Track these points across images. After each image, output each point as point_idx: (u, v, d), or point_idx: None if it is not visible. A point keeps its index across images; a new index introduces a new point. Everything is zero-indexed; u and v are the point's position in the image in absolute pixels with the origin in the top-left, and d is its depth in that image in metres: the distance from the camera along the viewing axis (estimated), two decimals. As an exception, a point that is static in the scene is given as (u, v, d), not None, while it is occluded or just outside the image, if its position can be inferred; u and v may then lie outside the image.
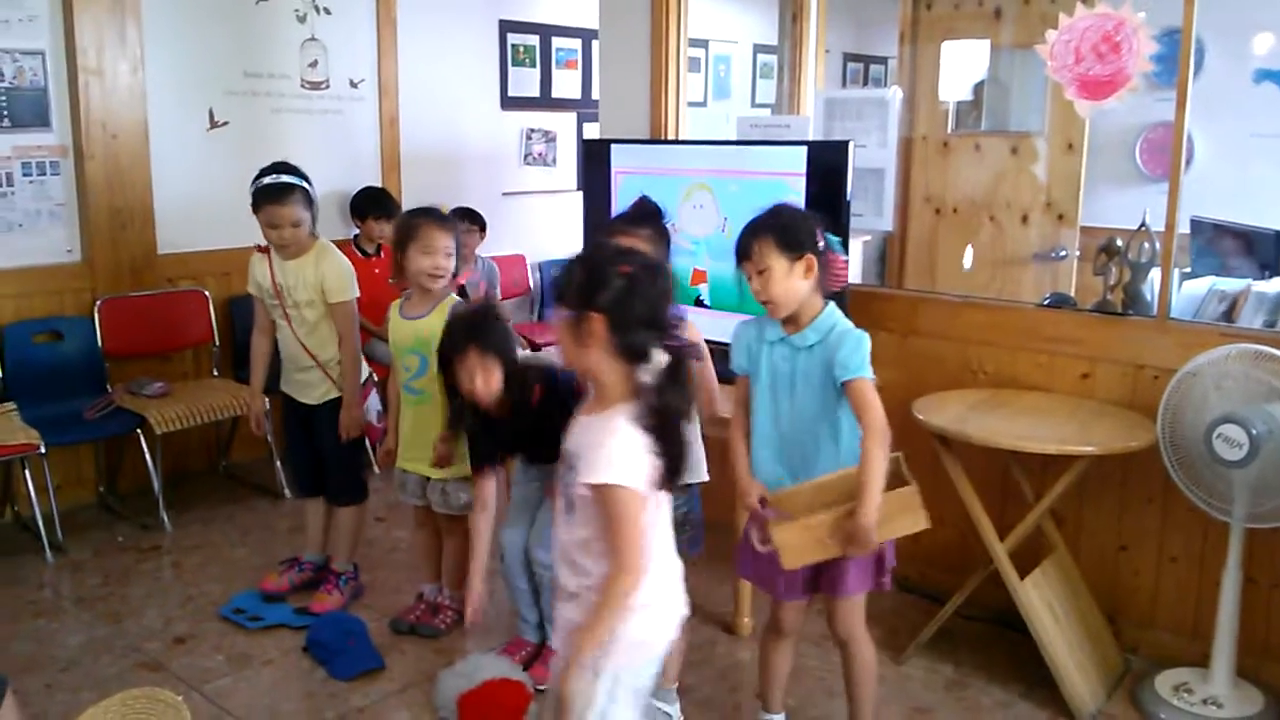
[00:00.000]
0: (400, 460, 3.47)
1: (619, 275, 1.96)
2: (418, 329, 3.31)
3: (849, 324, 2.53)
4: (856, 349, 2.45)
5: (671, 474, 2.02)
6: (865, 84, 7.75)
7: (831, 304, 2.55)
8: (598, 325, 1.95)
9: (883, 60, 7.79)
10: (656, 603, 2.08)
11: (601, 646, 1.99)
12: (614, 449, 1.96)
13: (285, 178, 3.47)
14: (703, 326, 3.72)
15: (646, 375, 1.99)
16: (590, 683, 2.01)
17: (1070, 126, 4.59)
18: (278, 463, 4.74)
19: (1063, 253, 4.65)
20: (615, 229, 2.85)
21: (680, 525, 2.75)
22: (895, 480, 2.48)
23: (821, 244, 2.50)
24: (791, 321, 2.54)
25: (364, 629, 3.42)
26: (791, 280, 2.47)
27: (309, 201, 3.51)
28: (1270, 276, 3.56)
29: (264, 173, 3.50)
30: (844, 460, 2.52)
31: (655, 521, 2.05)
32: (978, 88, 4.98)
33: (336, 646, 3.33)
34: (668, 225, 2.96)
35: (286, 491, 4.69)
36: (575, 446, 2.05)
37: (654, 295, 1.99)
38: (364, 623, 3.45)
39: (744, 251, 2.51)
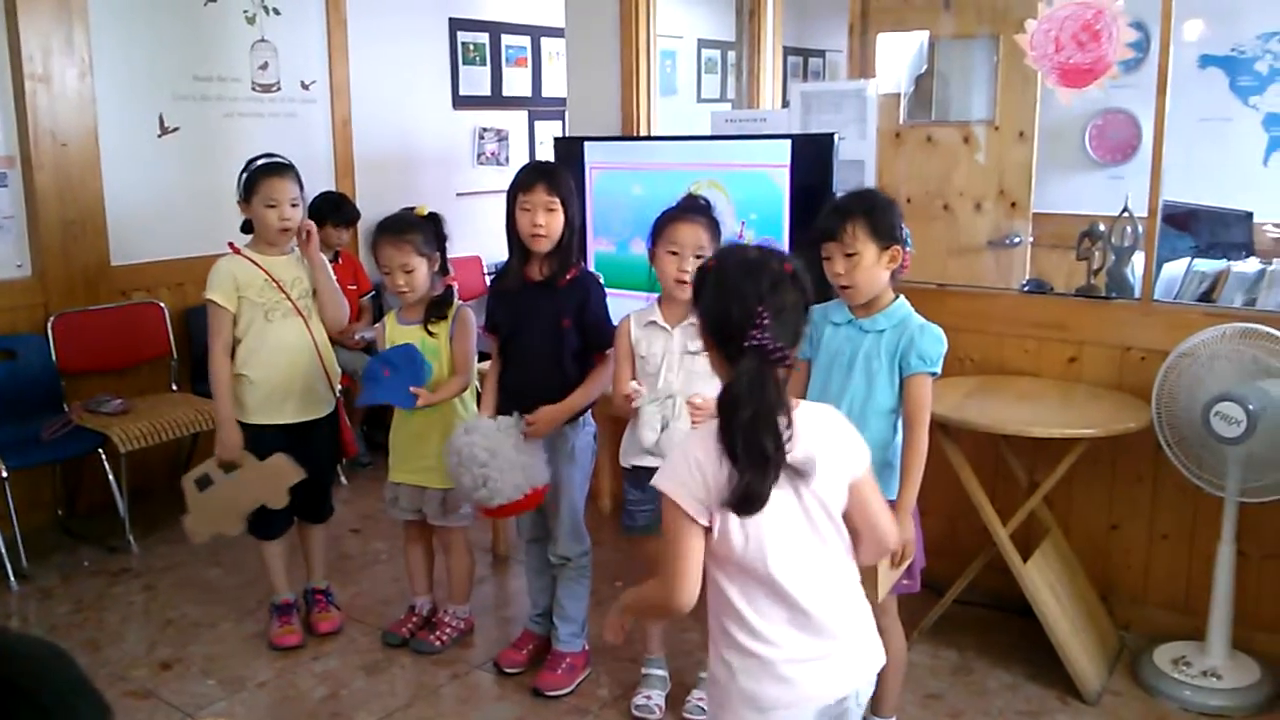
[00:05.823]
0: (393, 474, 3.36)
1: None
2: (418, 335, 3.25)
3: (923, 319, 2.51)
4: (938, 344, 2.44)
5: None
6: (805, 77, 7.78)
7: (902, 296, 2.53)
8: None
9: (820, 54, 7.85)
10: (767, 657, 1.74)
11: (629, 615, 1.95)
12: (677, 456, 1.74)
13: (279, 159, 3.32)
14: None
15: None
16: None
17: (1021, 115, 4.65)
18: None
19: (1016, 239, 4.72)
20: (677, 217, 2.75)
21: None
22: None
23: (903, 234, 2.48)
24: (863, 307, 2.51)
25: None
26: (878, 268, 2.44)
27: (301, 189, 3.33)
28: (1245, 257, 3.65)
29: (251, 162, 3.31)
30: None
31: (721, 554, 1.73)
32: (926, 78, 5.02)
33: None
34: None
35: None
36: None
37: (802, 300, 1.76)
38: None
39: (832, 231, 2.42)
